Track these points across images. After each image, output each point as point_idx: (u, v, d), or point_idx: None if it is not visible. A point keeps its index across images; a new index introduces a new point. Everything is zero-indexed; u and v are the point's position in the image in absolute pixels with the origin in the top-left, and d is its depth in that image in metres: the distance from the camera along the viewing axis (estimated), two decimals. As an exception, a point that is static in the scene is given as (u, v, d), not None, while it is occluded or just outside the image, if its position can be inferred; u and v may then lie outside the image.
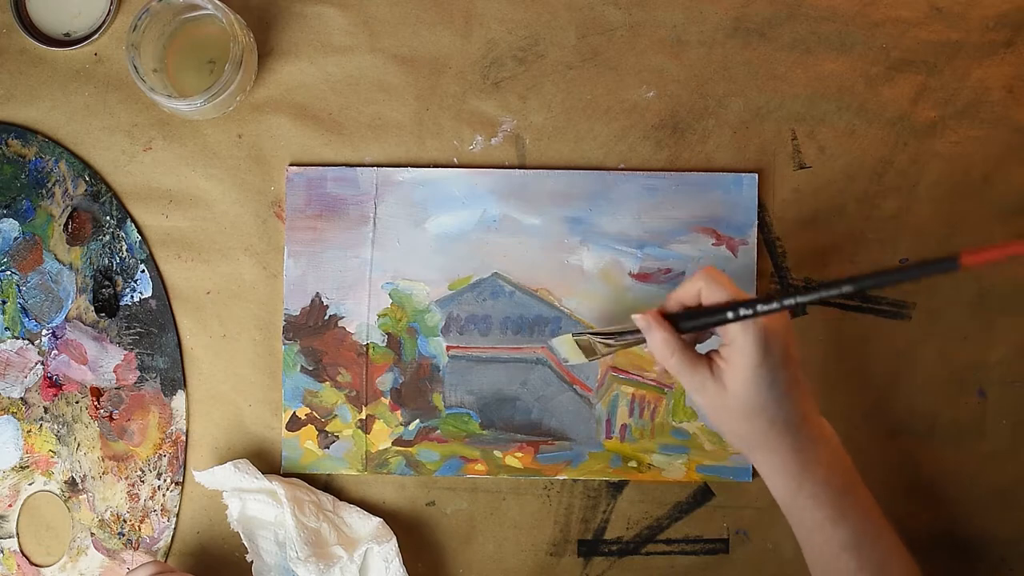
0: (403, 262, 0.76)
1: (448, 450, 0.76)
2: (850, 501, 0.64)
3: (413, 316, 0.76)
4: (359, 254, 0.76)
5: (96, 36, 0.76)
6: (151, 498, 0.76)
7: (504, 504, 0.77)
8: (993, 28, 0.78)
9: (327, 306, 0.76)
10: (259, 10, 0.77)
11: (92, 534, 0.76)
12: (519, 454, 0.76)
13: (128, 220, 0.77)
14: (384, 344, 0.76)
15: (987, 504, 0.77)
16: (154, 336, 0.76)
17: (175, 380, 0.76)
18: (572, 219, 0.76)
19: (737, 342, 0.63)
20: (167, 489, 0.76)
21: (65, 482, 0.76)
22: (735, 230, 0.76)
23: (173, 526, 0.76)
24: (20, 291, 0.76)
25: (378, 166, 0.77)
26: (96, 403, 0.76)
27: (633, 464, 0.76)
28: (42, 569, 0.76)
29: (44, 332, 0.76)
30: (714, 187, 0.76)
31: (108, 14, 0.76)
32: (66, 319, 0.76)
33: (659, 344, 0.65)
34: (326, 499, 0.75)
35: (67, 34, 0.77)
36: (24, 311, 0.76)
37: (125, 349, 0.76)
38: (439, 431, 0.76)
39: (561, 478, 0.76)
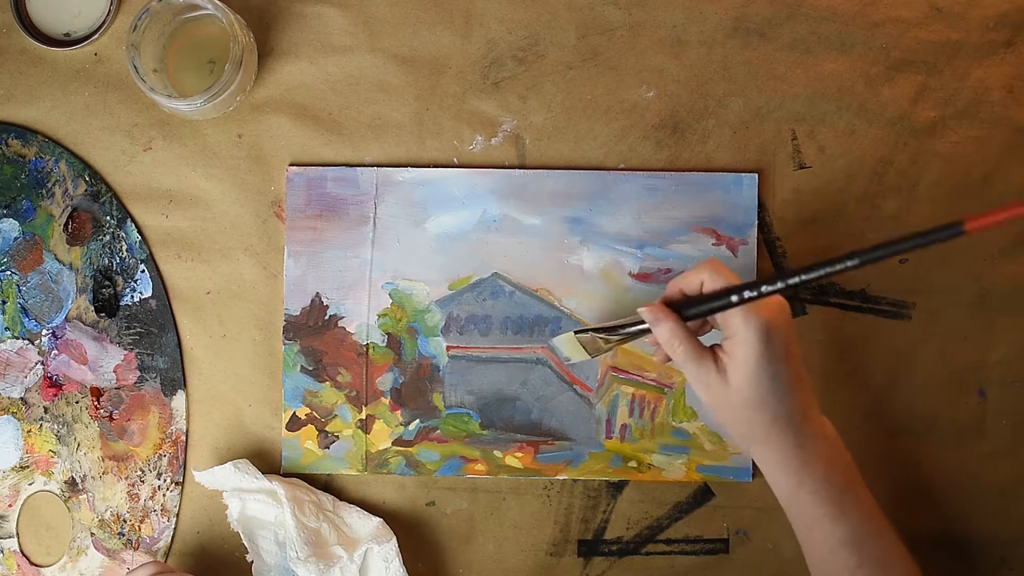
0: (403, 262, 0.76)
1: (448, 450, 0.76)
2: (850, 498, 0.64)
3: (413, 316, 0.76)
4: (359, 254, 0.76)
5: (96, 36, 0.76)
6: (151, 498, 0.76)
7: (504, 504, 0.77)
8: (993, 28, 0.78)
9: (327, 306, 0.76)
10: (259, 10, 0.77)
11: (92, 534, 0.76)
12: (519, 454, 0.76)
13: (128, 220, 0.77)
14: (384, 344, 0.76)
15: (987, 504, 0.77)
16: (154, 336, 0.76)
17: (175, 380, 0.76)
18: (572, 219, 0.76)
19: (739, 335, 0.63)
20: (167, 489, 0.76)
21: (65, 482, 0.76)
22: (735, 230, 0.76)
23: (173, 526, 0.76)
24: (20, 291, 0.76)
25: (378, 166, 0.77)
26: (96, 403, 0.76)
27: (633, 464, 0.76)
28: (42, 569, 0.76)
29: (44, 332, 0.76)
30: (714, 187, 0.76)
31: (108, 14, 0.76)
32: (66, 319, 0.76)
33: (666, 334, 0.65)
34: (326, 499, 0.75)
35: (67, 34, 0.77)
36: (24, 311, 0.76)
37: (125, 349, 0.76)
38: (439, 431, 0.76)
39: (561, 478, 0.76)
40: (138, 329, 0.76)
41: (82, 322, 0.76)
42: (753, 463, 0.76)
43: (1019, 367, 0.77)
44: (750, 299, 0.62)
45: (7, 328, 0.76)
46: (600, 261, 0.76)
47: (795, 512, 0.65)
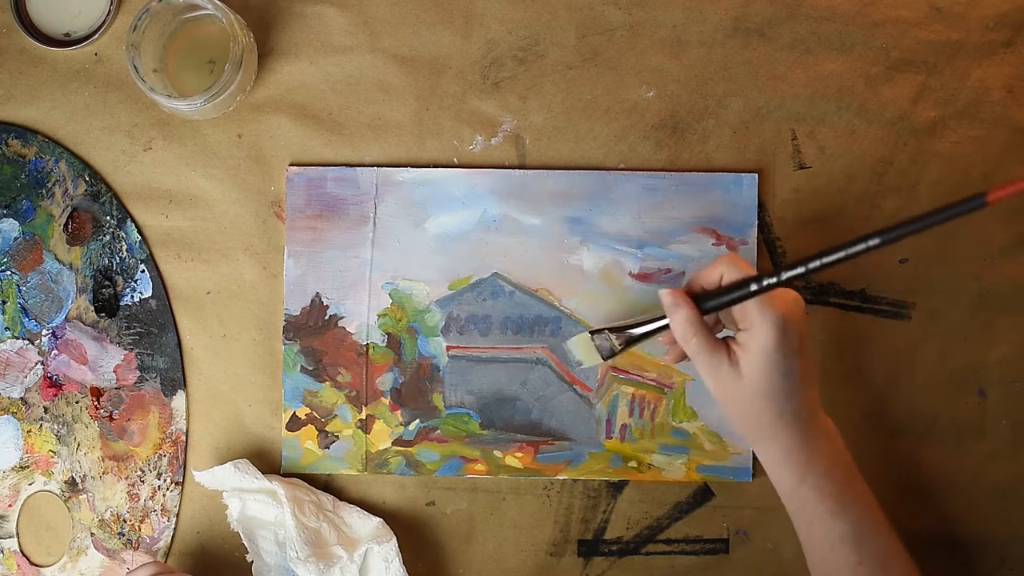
0: (403, 262, 0.76)
1: (448, 450, 0.76)
2: (851, 495, 0.64)
3: (413, 316, 0.76)
4: (359, 254, 0.76)
5: (96, 36, 0.76)
6: (151, 498, 0.76)
7: (504, 504, 0.77)
8: (993, 28, 0.77)
9: (327, 306, 0.76)
10: (259, 10, 0.77)
11: (92, 534, 0.76)
12: (519, 454, 0.76)
13: (128, 220, 0.77)
14: (384, 344, 0.76)
15: (987, 504, 0.77)
16: (154, 336, 0.76)
17: (175, 380, 0.76)
18: (572, 219, 0.76)
19: (756, 326, 0.63)
20: (167, 489, 0.76)
21: (65, 482, 0.76)
22: (735, 230, 0.76)
23: (173, 526, 0.76)
24: (20, 291, 0.76)
25: (378, 166, 0.77)
26: (96, 403, 0.76)
27: (633, 464, 0.76)
28: (42, 569, 0.76)
29: (44, 332, 0.76)
30: (714, 187, 0.76)
31: (108, 14, 0.76)
32: (66, 319, 0.76)
33: (682, 323, 0.65)
34: (326, 499, 0.75)
35: (67, 34, 0.77)
36: (24, 311, 0.76)
37: (125, 349, 0.76)
38: (439, 431, 0.76)
39: (561, 478, 0.76)
40: (138, 329, 0.76)
41: (82, 322, 0.76)
42: (753, 463, 0.76)
43: (1019, 367, 0.77)
44: (769, 287, 0.63)
45: (7, 328, 0.76)
46: (600, 261, 0.76)
47: (796, 508, 0.65)
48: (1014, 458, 0.77)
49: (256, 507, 0.74)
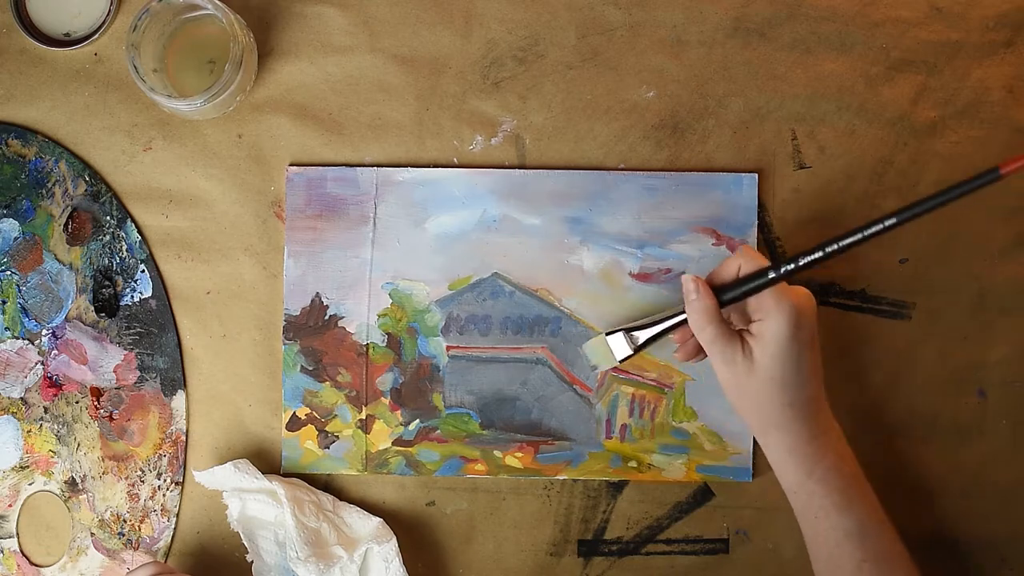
0: (403, 262, 0.76)
1: (448, 450, 0.76)
2: (857, 491, 0.65)
3: (413, 316, 0.76)
4: (359, 254, 0.76)
5: (96, 36, 0.76)
6: (151, 498, 0.76)
7: (504, 504, 0.77)
8: (993, 28, 0.77)
9: (327, 306, 0.76)
10: (259, 10, 0.77)
11: (92, 534, 0.76)
12: (519, 454, 0.76)
13: (128, 220, 0.77)
14: (384, 344, 0.76)
15: (987, 504, 0.77)
16: (154, 336, 0.76)
17: (175, 380, 0.76)
18: (572, 219, 0.76)
19: (771, 316, 0.65)
20: (167, 489, 0.76)
21: (65, 482, 0.76)
22: (735, 230, 0.76)
23: (173, 526, 0.76)
24: (20, 291, 0.76)
25: (378, 166, 0.77)
26: (96, 403, 0.76)
27: (633, 464, 0.76)
28: (42, 569, 0.76)
29: (44, 332, 0.76)
30: (714, 187, 0.76)
31: (108, 14, 0.76)
32: (66, 319, 0.76)
33: (699, 312, 0.67)
34: (326, 499, 0.75)
35: (67, 34, 0.77)
36: (24, 311, 0.76)
37: (125, 349, 0.76)
38: (439, 431, 0.76)
39: (561, 478, 0.76)
40: (138, 329, 0.76)
41: (82, 322, 0.76)
42: (753, 463, 0.76)
43: (1019, 367, 0.77)
44: (787, 273, 0.64)
45: (7, 328, 0.76)
46: (600, 261, 0.76)
47: (802, 501, 0.66)
48: (1014, 458, 0.77)
49: (256, 507, 0.74)
